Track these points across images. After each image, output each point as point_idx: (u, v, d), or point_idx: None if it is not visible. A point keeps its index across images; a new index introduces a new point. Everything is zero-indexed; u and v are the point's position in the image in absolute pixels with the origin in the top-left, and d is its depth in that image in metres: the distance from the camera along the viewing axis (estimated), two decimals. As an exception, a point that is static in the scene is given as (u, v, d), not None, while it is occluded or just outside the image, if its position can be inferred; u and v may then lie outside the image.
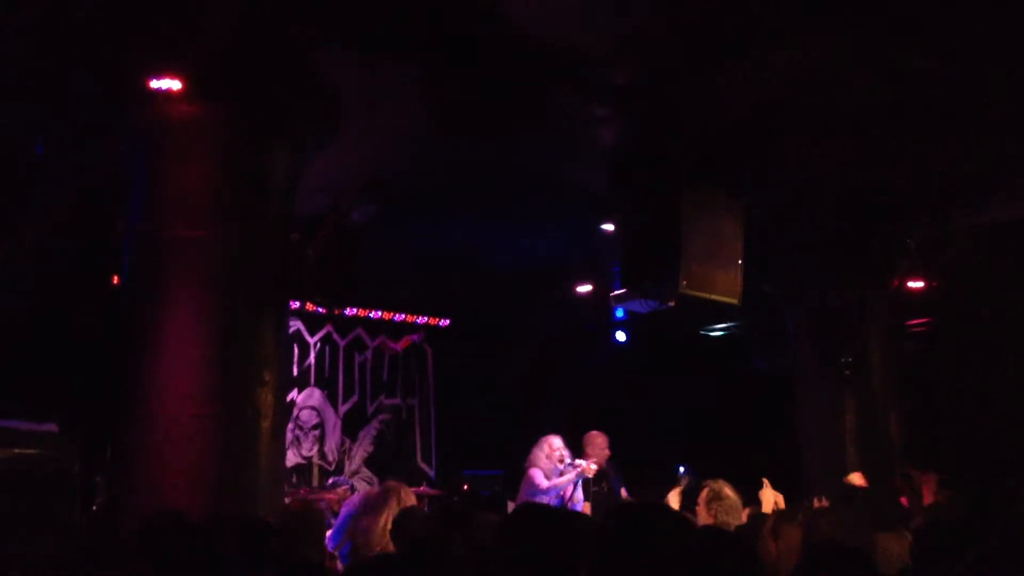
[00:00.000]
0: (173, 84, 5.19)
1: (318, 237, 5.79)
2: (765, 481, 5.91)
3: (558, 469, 8.01)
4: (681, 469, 7.74)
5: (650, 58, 6.07)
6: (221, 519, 3.48)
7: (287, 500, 6.13)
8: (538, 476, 7.94)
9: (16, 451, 6.21)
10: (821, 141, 7.02)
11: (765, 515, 5.33)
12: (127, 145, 5.66)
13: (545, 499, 7.82)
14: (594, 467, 8.01)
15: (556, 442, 8.14)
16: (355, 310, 10.72)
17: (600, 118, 6.62)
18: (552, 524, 2.91)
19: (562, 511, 3.22)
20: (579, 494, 7.93)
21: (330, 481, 9.51)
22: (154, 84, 5.17)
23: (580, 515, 3.18)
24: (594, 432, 8.40)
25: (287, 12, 5.42)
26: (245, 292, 5.48)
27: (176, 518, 3.57)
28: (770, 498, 5.80)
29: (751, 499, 5.82)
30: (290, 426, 10.00)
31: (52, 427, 6.42)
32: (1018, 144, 7.00)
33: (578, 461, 7.99)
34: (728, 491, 5.33)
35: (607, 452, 8.32)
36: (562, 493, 7.94)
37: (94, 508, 6.64)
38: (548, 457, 8.04)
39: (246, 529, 3.45)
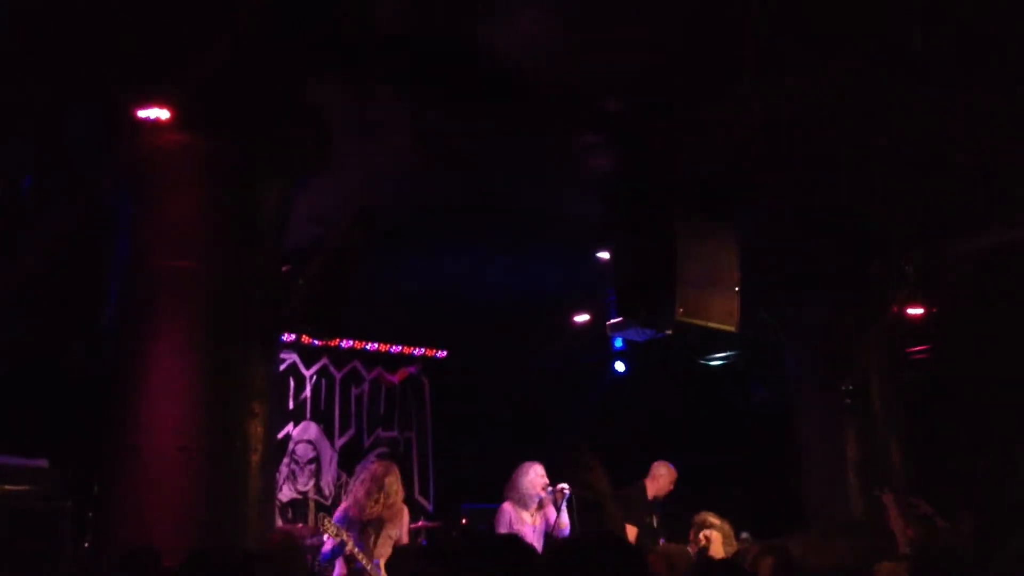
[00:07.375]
0: (161, 114, 5.17)
1: (308, 268, 5.74)
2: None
3: (538, 497, 7.84)
4: None
5: (642, 88, 6.06)
6: (198, 556, 3.39)
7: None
8: (505, 514, 7.80)
9: (6, 487, 6.12)
10: (816, 169, 6.99)
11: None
12: (115, 175, 5.63)
13: (526, 529, 7.67)
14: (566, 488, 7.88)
15: (540, 468, 7.98)
16: (351, 342, 10.64)
17: (593, 147, 6.60)
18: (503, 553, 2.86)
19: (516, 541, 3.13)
20: (564, 518, 7.76)
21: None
22: (142, 114, 5.15)
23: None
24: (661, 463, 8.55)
25: (278, 43, 5.40)
26: (234, 324, 5.42)
27: (149, 555, 3.49)
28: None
29: (745, 528, 5.78)
30: (286, 460, 9.91)
31: (42, 463, 6.34)
32: (1014, 169, 6.96)
33: (560, 485, 7.87)
34: (713, 518, 5.32)
35: (670, 487, 8.41)
36: (547, 519, 7.81)
37: (85, 544, 6.54)
38: (531, 483, 7.85)
39: (225, 562, 3.36)
